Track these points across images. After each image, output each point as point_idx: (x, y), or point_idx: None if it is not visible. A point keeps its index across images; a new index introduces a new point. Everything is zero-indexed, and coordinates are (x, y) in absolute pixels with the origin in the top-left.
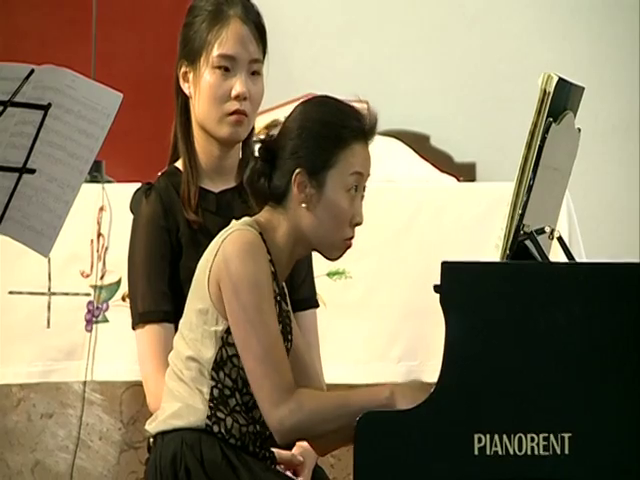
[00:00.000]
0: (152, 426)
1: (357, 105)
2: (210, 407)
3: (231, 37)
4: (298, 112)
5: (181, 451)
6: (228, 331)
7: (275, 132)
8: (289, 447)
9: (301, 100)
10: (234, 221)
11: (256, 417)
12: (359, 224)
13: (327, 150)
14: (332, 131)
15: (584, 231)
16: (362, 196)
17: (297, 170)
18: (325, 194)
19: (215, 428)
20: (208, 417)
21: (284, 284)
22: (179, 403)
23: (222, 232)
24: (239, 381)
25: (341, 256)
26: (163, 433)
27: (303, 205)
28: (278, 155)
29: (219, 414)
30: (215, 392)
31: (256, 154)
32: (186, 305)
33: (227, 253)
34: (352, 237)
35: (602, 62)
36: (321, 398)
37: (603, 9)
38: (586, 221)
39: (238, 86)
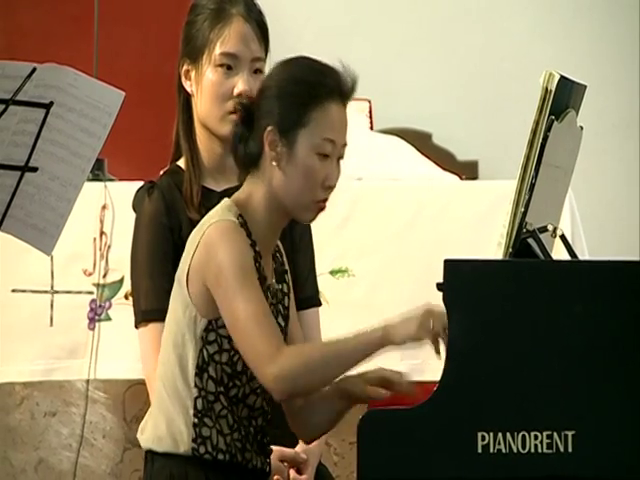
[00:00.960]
0: (142, 438)
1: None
2: (194, 424)
3: (233, 35)
4: (274, 72)
5: None
6: (207, 329)
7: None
8: (292, 445)
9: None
10: (220, 203)
11: (243, 415)
12: (331, 187)
13: (299, 108)
14: (305, 88)
15: (587, 229)
16: (339, 161)
17: (269, 128)
18: (295, 153)
19: (202, 449)
20: (193, 440)
21: (286, 269)
22: (163, 422)
23: (200, 225)
24: (224, 378)
25: (314, 219)
26: (153, 453)
27: (274, 163)
28: (255, 116)
29: (204, 431)
30: (199, 404)
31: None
32: (169, 308)
33: (207, 247)
34: (325, 200)
35: (603, 60)
36: (315, 345)
37: (604, 8)
38: (589, 219)
39: (240, 84)
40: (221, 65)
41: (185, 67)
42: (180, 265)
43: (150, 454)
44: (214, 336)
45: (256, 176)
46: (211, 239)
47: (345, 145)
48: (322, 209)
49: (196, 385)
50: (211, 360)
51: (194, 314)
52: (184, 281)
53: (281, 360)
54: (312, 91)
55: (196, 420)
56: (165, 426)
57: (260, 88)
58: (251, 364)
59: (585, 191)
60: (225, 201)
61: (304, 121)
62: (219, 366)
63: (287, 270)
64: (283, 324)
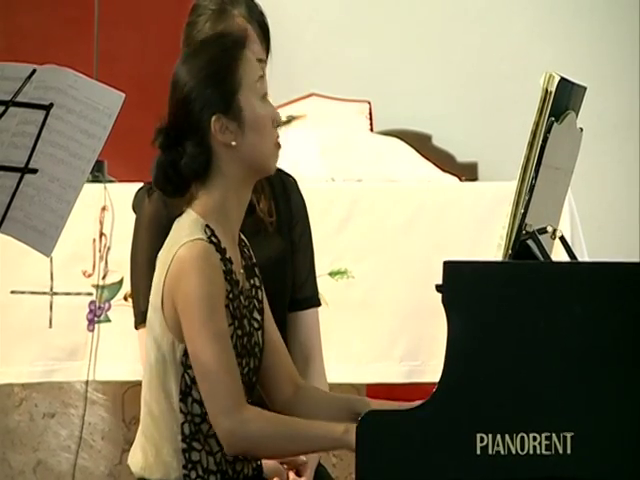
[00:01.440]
0: (132, 463)
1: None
2: (184, 450)
3: None
4: (179, 79)
5: None
6: (186, 354)
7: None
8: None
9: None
10: (178, 222)
11: None
12: (280, 123)
13: (227, 79)
14: (219, 62)
15: (586, 230)
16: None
17: (213, 118)
18: (245, 117)
19: (193, 474)
20: (184, 466)
21: (254, 262)
22: (152, 450)
23: (169, 243)
24: None
25: (275, 163)
26: None
27: (233, 143)
28: (183, 130)
29: (194, 455)
30: (187, 428)
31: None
32: (147, 331)
33: (176, 274)
34: (279, 136)
35: (604, 61)
36: (274, 417)
37: (604, 8)
38: (588, 220)
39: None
40: None
41: None
42: (153, 288)
43: None
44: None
45: (210, 177)
46: (181, 264)
47: (262, 60)
48: (280, 147)
49: (181, 410)
50: (193, 383)
51: (171, 340)
52: (159, 306)
53: (239, 417)
54: (229, 54)
55: (185, 445)
56: (154, 455)
57: (170, 109)
58: (208, 410)
59: (585, 193)
60: (188, 213)
61: (236, 85)
62: None
63: (255, 263)
64: (259, 318)
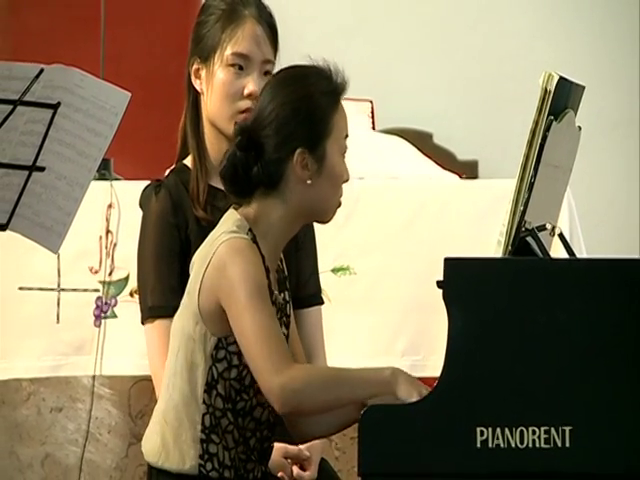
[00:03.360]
0: (147, 451)
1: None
2: (202, 440)
3: (246, 36)
4: (273, 94)
5: None
6: (217, 347)
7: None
8: (295, 443)
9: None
10: (228, 213)
11: (249, 427)
12: (347, 181)
13: (321, 122)
14: (317, 103)
15: (585, 228)
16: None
17: (298, 150)
18: (326, 164)
19: (208, 466)
20: (200, 456)
21: (286, 276)
22: (171, 436)
23: (210, 240)
24: (232, 393)
25: (332, 218)
26: (157, 470)
27: (308, 182)
28: (264, 142)
29: (211, 447)
30: (207, 420)
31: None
32: (176, 321)
33: (220, 264)
34: (342, 195)
35: (603, 60)
36: (321, 368)
37: (604, 7)
38: (587, 218)
39: (251, 85)
40: (232, 65)
41: (195, 66)
42: (191, 280)
43: (154, 471)
44: (223, 353)
45: (272, 196)
46: (223, 258)
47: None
48: (340, 205)
49: (204, 402)
50: (220, 377)
51: (204, 331)
52: (196, 298)
53: (288, 373)
54: (328, 100)
55: (204, 436)
56: (173, 441)
57: (260, 114)
58: (258, 376)
59: (583, 190)
60: (233, 214)
61: (328, 131)
62: (228, 382)
63: (287, 277)
64: (286, 332)
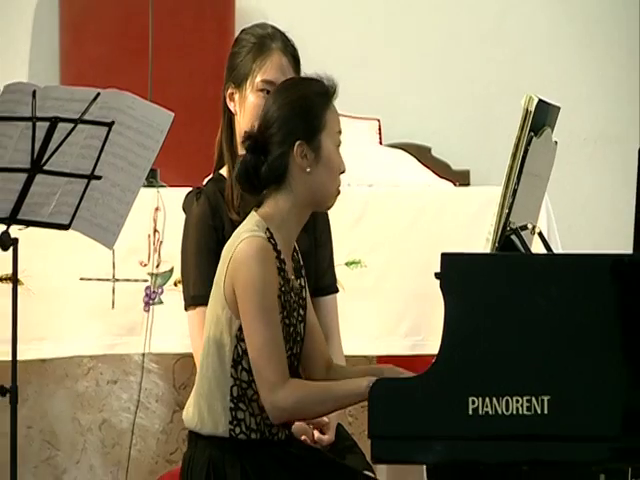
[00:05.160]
0: (187, 419)
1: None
2: (230, 409)
3: (273, 66)
4: (274, 102)
5: (208, 471)
6: (241, 328)
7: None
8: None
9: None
10: (250, 214)
11: None
12: (344, 172)
13: (315, 117)
14: (313, 100)
15: (560, 227)
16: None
17: (297, 142)
18: (322, 155)
19: (237, 430)
20: (230, 422)
21: (301, 265)
22: (205, 407)
23: (234, 236)
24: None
25: (334, 203)
26: (196, 435)
27: (308, 169)
28: (269, 141)
29: (239, 414)
30: (235, 391)
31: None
32: (209, 306)
33: (238, 261)
34: (340, 184)
35: (576, 83)
36: (309, 386)
37: (586, 36)
38: (562, 219)
39: (262, 109)
40: (262, 90)
41: (230, 90)
42: (218, 271)
43: (193, 435)
44: None
45: (281, 189)
46: (242, 255)
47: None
48: (339, 193)
49: (232, 375)
50: (244, 354)
51: (230, 315)
52: (222, 287)
53: (281, 393)
54: (320, 99)
55: (232, 405)
56: (207, 410)
57: (267, 118)
58: (258, 385)
59: (559, 195)
60: (253, 215)
61: (322, 125)
62: None
63: (302, 265)
64: (302, 313)
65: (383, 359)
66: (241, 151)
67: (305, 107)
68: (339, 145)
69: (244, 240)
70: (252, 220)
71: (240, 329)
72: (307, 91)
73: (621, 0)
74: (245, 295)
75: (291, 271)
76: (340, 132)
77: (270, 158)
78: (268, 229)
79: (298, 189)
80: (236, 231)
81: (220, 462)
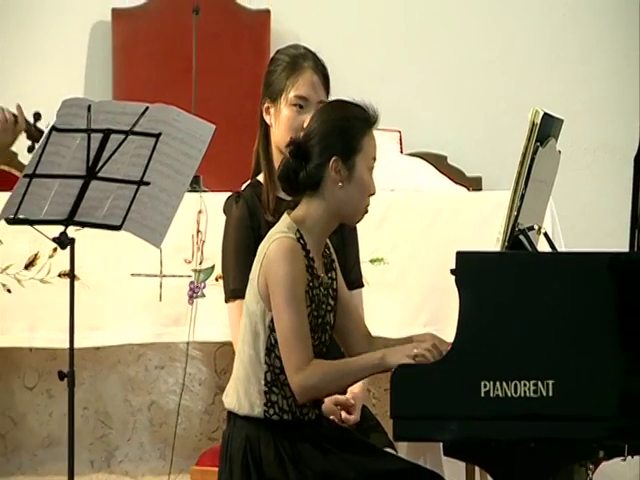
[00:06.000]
0: (226, 401)
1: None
2: (265, 392)
3: (305, 83)
4: (320, 116)
5: (244, 449)
6: (273, 320)
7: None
8: (343, 394)
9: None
10: (282, 217)
11: None
12: (374, 194)
13: (354, 139)
14: (353, 124)
15: (563, 228)
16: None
17: (333, 158)
18: (355, 175)
19: (271, 411)
20: (265, 404)
21: (333, 259)
22: (242, 391)
23: (267, 237)
24: None
25: (361, 220)
26: (234, 415)
27: (339, 184)
28: (310, 150)
29: (273, 397)
30: (268, 376)
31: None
32: (245, 300)
33: (270, 259)
34: (369, 204)
35: (578, 100)
36: (329, 365)
37: (586, 57)
38: (565, 220)
39: (309, 120)
40: (294, 105)
41: (266, 105)
42: (252, 268)
43: (232, 415)
44: None
45: (315, 196)
46: (273, 254)
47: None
48: (367, 212)
49: (266, 362)
50: (277, 343)
51: (263, 308)
52: (256, 282)
53: (305, 373)
54: (360, 124)
55: (266, 389)
56: (244, 393)
57: (311, 129)
58: (285, 368)
59: (562, 199)
60: (286, 217)
61: (359, 148)
62: None
63: (334, 259)
64: (333, 303)
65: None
66: (276, 160)
67: (345, 128)
68: (372, 169)
69: (275, 240)
70: (284, 222)
71: (272, 320)
72: (350, 114)
73: (619, 20)
74: (276, 288)
75: (321, 268)
76: (375, 159)
77: (309, 166)
78: (298, 230)
79: (330, 199)
80: (269, 232)
81: (256, 440)
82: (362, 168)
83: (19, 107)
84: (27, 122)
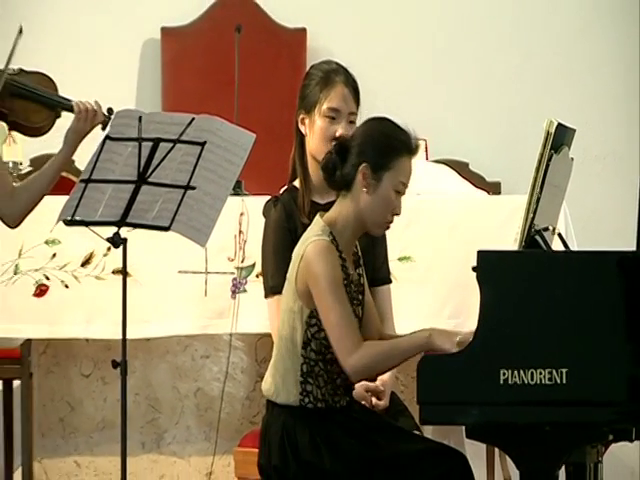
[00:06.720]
0: (265, 388)
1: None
2: (300, 383)
3: (337, 95)
4: (367, 125)
5: (282, 434)
6: (310, 316)
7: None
8: (373, 381)
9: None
10: (315, 219)
11: (335, 371)
12: (398, 214)
13: (388, 156)
14: (394, 143)
15: (576, 229)
16: (402, 195)
17: (364, 164)
18: (380, 188)
19: (306, 400)
20: (300, 393)
21: (360, 256)
22: (280, 380)
23: (303, 240)
24: (322, 349)
25: (381, 233)
26: (272, 403)
27: (364, 189)
28: (349, 151)
29: (308, 387)
30: (304, 368)
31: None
32: (282, 298)
33: (308, 261)
34: (391, 222)
35: (591, 108)
36: (379, 345)
37: (597, 72)
38: (577, 222)
39: (340, 130)
40: (327, 116)
41: (301, 116)
42: (290, 268)
43: (270, 403)
44: (315, 321)
45: (347, 196)
46: (311, 256)
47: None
48: (388, 228)
49: (302, 355)
50: (313, 338)
51: (300, 305)
52: (294, 282)
53: (357, 354)
54: (398, 145)
55: (302, 379)
56: (281, 383)
57: (358, 132)
58: (337, 352)
59: (575, 202)
60: (319, 221)
61: (390, 166)
62: (318, 341)
63: (360, 256)
64: (360, 297)
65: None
66: (311, 166)
67: (383, 143)
68: (399, 192)
69: (311, 243)
70: (317, 225)
71: (309, 316)
72: (392, 134)
73: (626, 37)
74: (318, 286)
75: (351, 265)
76: (405, 185)
77: (346, 165)
78: (331, 232)
79: (357, 202)
80: (304, 235)
81: (292, 426)
82: (388, 186)
83: (97, 102)
84: (104, 115)
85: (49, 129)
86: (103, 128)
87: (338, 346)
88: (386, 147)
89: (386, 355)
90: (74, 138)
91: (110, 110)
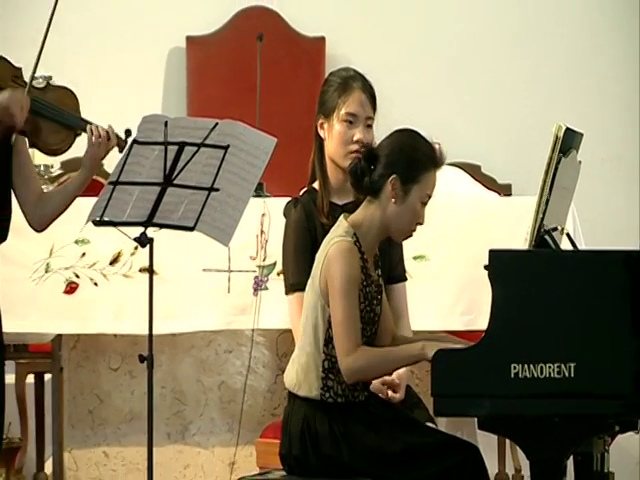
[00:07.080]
0: (287, 381)
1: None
2: (322, 378)
3: (354, 101)
4: (396, 136)
5: (302, 426)
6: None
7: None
8: (389, 375)
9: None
10: (339, 220)
11: None
12: (421, 224)
13: (417, 170)
14: (420, 157)
15: (583, 229)
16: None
17: (393, 176)
18: (408, 200)
19: (327, 395)
20: (321, 388)
21: (379, 257)
22: (302, 374)
23: (327, 240)
24: None
25: (404, 240)
26: (294, 395)
27: (392, 200)
28: (377, 160)
29: (329, 382)
30: (326, 364)
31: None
32: (306, 295)
33: (330, 260)
34: (415, 230)
35: (598, 113)
36: (375, 351)
37: (604, 80)
38: (585, 222)
39: (358, 134)
40: (345, 121)
41: (320, 121)
42: (314, 268)
43: (292, 395)
44: None
45: (374, 203)
46: (333, 255)
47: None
48: (411, 236)
49: (324, 352)
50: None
51: (323, 304)
52: (317, 281)
53: (354, 356)
54: (426, 160)
55: (323, 375)
56: (303, 377)
57: (386, 142)
58: (337, 350)
59: (582, 203)
60: (343, 222)
61: (418, 180)
62: None
63: (379, 258)
64: (379, 297)
65: (443, 333)
66: (329, 169)
67: (413, 157)
68: (424, 203)
69: (335, 244)
70: (342, 226)
71: (331, 316)
72: (420, 147)
73: (631, 46)
74: (334, 284)
75: (372, 267)
76: (430, 197)
77: (374, 172)
78: (355, 234)
79: (384, 210)
80: (328, 235)
81: (312, 419)
82: (415, 198)
83: (110, 127)
84: (118, 137)
85: (67, 149)
86: (120, 150)
87: (338, 344)
88: (415, 161)
89: (381, 361)
90: (91, 163)
91: (128, 132)
